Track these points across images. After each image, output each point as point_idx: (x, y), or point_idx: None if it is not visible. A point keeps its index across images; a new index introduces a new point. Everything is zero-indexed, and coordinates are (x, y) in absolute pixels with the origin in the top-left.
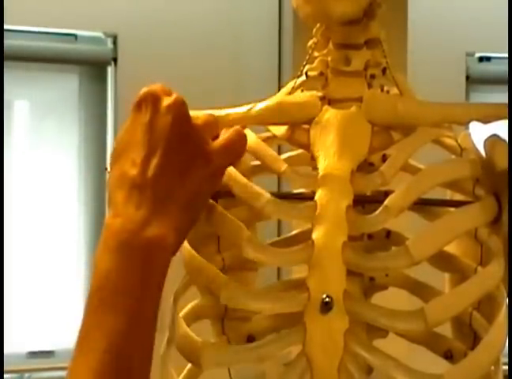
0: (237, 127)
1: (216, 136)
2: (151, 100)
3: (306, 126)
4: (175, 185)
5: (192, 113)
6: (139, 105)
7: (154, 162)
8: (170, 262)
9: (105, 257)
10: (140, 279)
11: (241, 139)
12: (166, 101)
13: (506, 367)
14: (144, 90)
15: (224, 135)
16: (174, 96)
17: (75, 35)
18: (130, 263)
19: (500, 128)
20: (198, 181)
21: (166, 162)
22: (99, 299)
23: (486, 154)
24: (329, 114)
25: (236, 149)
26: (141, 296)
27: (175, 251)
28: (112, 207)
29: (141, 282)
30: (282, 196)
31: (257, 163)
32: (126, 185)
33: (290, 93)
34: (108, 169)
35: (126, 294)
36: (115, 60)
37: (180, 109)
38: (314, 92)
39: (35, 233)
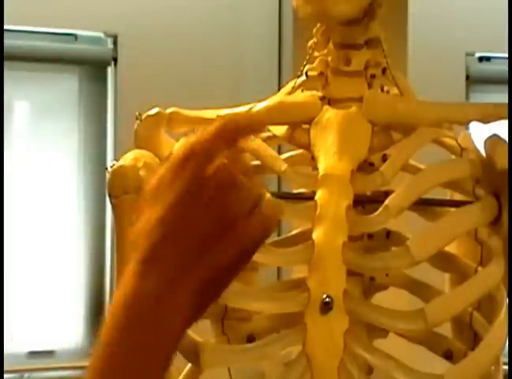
0: (272, 200)
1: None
2: (194, 160)
3: (306, 126)
4: (198, 263)
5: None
6: (183, 159)
7: (181, 234)
8: (180, 338)
9: (114, 328)
10: (146, 352)
11: (276, 215)
12: (211, 167)
13: (506, 367)
14: (190, 142)
15: (260, 211)
16: (219, 164)
17: (75, 35)
18: (136, 337)
19: (500, 128)
20: (224, 261)
21: (192, 236)
22: (106, 367)
23: (486, 154)
24: (330, 114)
25: (271, 226)
26: (148, 369)
27: (190, 325)
28: (133, 259)
29: (148, 355)
30: (282, 196)
31: (258, 162)
32: (142, 248)
33: (290, 93)
34: (109, 169)
35: (130, 369)
36: (115, 60)
37: (222, 180)
38: (314, 92)
39: (36, 233)
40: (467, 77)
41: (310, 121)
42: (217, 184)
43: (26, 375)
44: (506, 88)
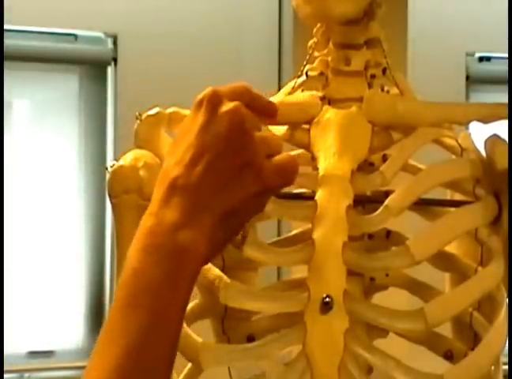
0: (291, 154)
1: (272, 155)
2: (210, 101)
3: (306, 126)
4: (216, 195)
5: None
6: (200, 103)
7: (199, 167)
8: (199, 270)
9: (136, 254)
10: (166, 280)
11: (295, 166)
12: (225, 106)
13: (506, 367)
14: (208, 89)
15: (279, 158)
16: (234, 103)
17: (75, 35)
18: (158, 264)
19: (500, 128)
20: (241, 196)
21: (211, 170)
22: (126, 296)
23: (486, 154)
24: (330, 114)
25: (288, 175)
26: (166, 297)
27: (206, 261)
28: (151, 203)
29: (167, 283)
30: (282, 196)
31: None
32: (166, 184)
33: (290, 93)
34: (109, 169)
35: (151, 294)
36: (115, 60)
37: (237, 117)
38: (315, 92)
39: (36, 233)
40: (467, 77)
41: (310, 122)
42: (230, 119)
43: (26, 375)
44: (506, 88)
